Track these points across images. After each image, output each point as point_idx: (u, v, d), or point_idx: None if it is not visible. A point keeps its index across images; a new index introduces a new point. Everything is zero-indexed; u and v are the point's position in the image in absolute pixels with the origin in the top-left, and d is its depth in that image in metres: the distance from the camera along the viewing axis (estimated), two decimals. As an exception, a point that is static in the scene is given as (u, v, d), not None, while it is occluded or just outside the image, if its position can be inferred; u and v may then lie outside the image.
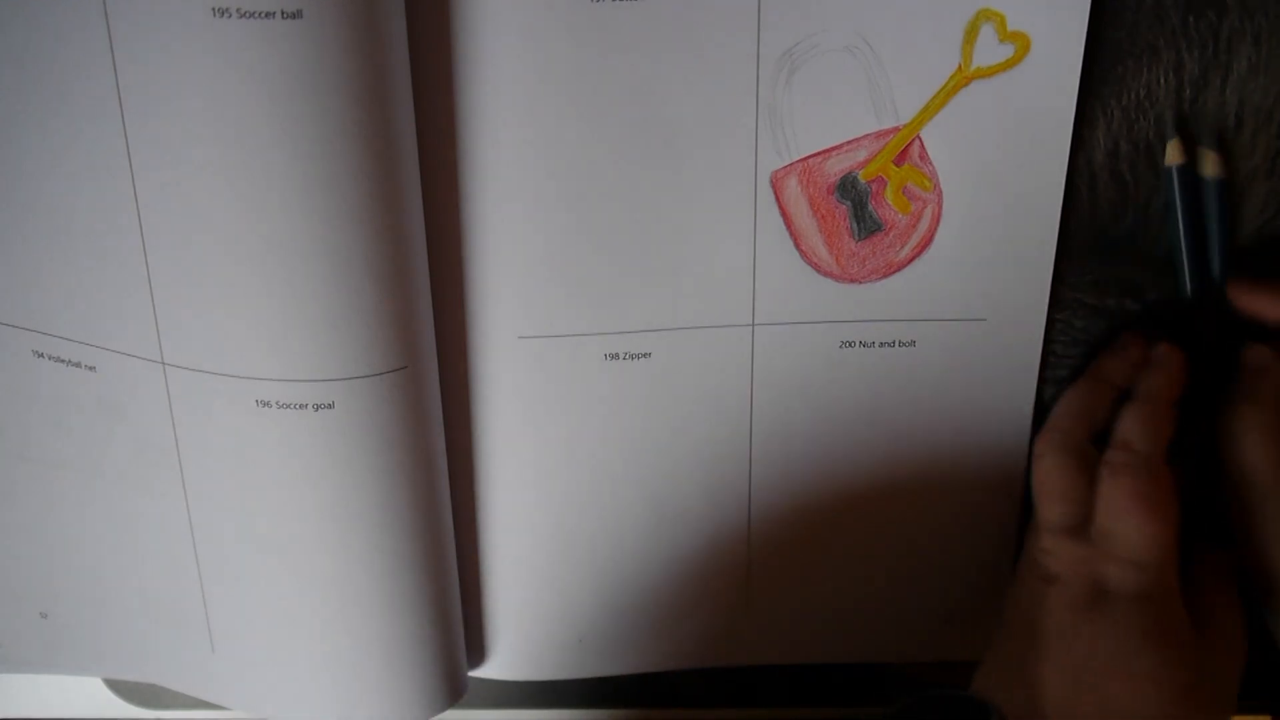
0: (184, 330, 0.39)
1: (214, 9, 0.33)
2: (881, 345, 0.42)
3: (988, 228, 0.40)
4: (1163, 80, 0.39)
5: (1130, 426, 0.40)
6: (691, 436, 0.43)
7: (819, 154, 0.39)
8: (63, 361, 0.41)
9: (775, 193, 0.40)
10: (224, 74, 0.34)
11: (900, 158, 0.39)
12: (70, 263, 0.39)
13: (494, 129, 0.38)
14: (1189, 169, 0.39)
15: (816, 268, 0.41)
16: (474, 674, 0.47)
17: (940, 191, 0.40)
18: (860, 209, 0.40)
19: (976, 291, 0.41)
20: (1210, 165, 0.39)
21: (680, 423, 0.43)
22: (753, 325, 0.41)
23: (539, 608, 0.45)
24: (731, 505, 0.44)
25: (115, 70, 0.36)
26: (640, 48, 0.37)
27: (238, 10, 0.33)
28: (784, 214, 0.40)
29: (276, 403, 0.38)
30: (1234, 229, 0.40)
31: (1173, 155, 0.39)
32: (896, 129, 0.39)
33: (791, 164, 0.39)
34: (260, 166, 0.35)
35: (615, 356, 0.41)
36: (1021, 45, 0.37)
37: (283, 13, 0.33)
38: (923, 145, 0.39)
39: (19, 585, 0.46)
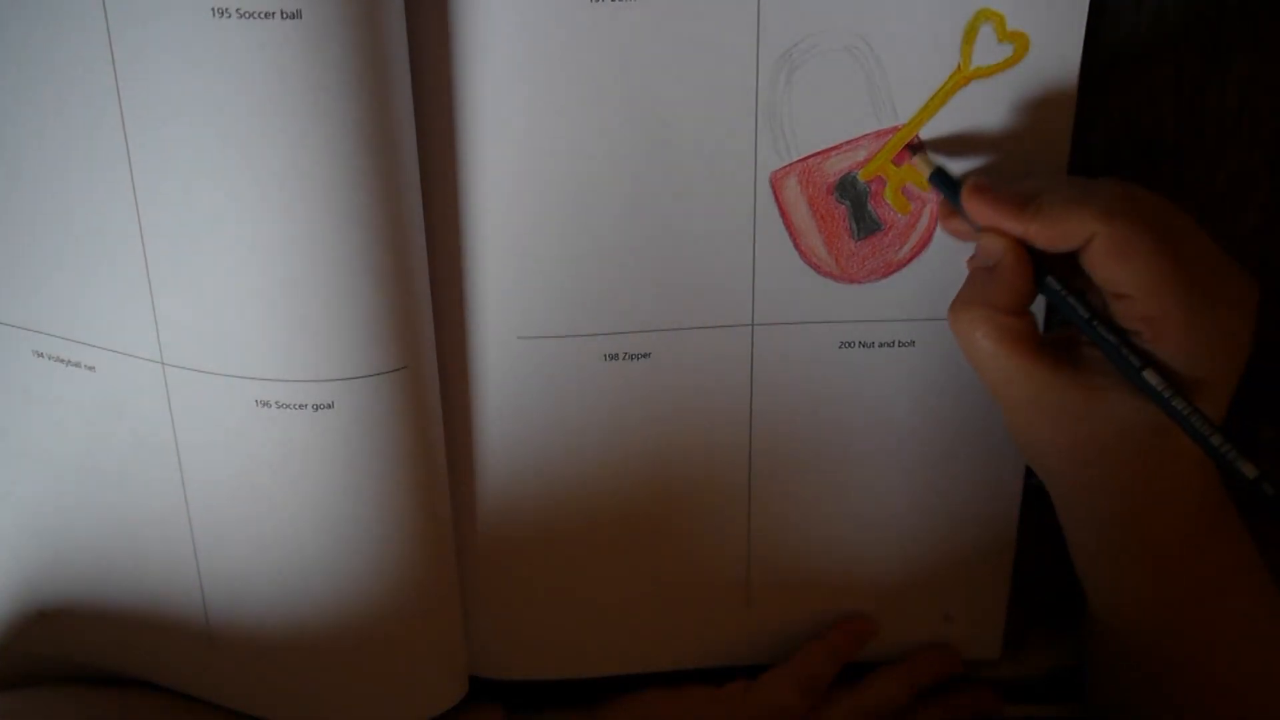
0: (184, 330, 0.39)
1: (214, 9, 0.33)
2: (881, 345, 0.42)
3: (987, 228, 0.40)
4: (1163, 80, 0.39)
5: None
6: (691, 436, 0.43)
7: (818, 154, 0.39)
8: (63, 361, 0.41)
9: (775, 193, 0.40)
10: (224, 74, 0.34)
11: (900, 157, 0.39)
12: (70, 263, 0.39)
13: (494, 129, 0.38)
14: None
15: (816, 268, 0.41)
16: (474, 674, 0.47)
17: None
18: (859, 209, 0.40)
19: (976, 291, 0.41)
20: (922, 164, 0.38)
21: (680, 423, 0.43)
22: (752, 325, 0.41)
23: (538, 607, 0.45)
24: (731, 505, 0.44)
25: (115, 70, 0.36)
26: (640, 48, 0.37)
27: (238, 10, 0.33)
28: (783, 214, 0.40)
29: (276, 403, 0.38)
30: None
31: (921, 167, 0.38)
32: (896, 129, 0.39)
33: (791, 164, 0.39)
34: (260, 166, 0.35)
35: (615, 356, 0.41)
36: (1021, 45, 0.37)
37: (283, 13, 0.33)
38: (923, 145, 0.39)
39: (19, 584, 0.46)
